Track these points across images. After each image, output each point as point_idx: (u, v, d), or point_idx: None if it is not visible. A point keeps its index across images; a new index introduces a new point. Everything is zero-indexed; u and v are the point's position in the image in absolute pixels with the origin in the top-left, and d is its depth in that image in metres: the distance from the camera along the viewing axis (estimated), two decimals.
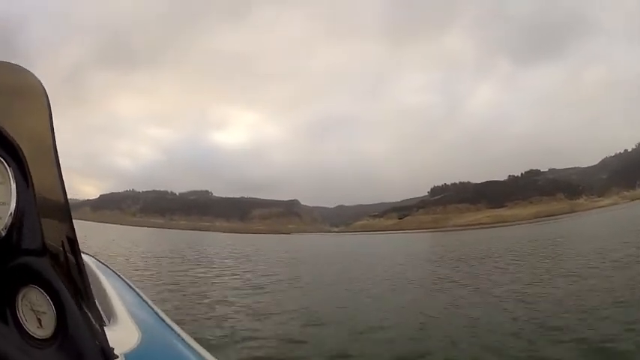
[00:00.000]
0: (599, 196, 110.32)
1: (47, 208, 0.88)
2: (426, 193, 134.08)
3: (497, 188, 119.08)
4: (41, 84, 0.86)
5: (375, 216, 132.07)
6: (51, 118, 0.84)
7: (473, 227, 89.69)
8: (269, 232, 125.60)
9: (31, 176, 0.83)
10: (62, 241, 0.93)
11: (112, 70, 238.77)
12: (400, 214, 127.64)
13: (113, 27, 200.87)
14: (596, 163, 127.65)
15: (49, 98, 0.80)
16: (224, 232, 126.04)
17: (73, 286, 0.96)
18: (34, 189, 0.83)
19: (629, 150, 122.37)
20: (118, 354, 1.16)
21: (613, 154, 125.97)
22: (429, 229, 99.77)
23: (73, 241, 0.96)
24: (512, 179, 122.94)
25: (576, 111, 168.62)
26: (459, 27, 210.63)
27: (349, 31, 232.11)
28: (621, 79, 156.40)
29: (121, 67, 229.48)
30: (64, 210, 0.88)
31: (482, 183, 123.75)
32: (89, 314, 0.97)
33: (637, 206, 78.04)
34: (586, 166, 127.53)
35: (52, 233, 0.90)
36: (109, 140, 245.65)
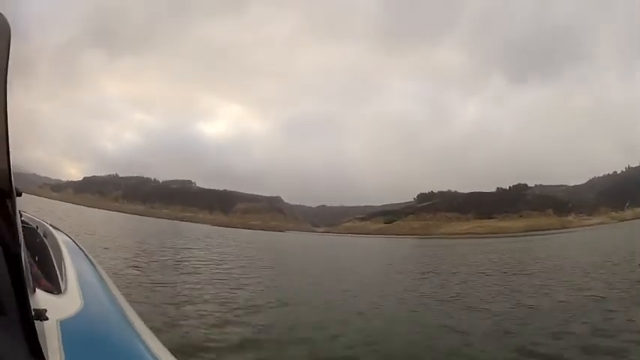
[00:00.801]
0: (588, 215, 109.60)
1: None
2: (412, 199, 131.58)
3: (486, 199, 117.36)
4: (7, 26, 0.87)
5: (361, 219, 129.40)
6: (8, 54, 0.85)
7: (465, 236, 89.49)
8: (254, 228, 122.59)
9: None
10: None
11: (101, 53, 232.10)
12: (386, 218, 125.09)
13: (104, 9, 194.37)
14: (583, 182, 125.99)
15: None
16: (210, 224, 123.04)
17: (4, 238, 1.03)
18: None
19: (618, 172, 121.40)
20: (52, 318, 1.38)
21: (601, 175, 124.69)
22: (419, 236, 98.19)
23: (9, 195, 1.00)
24: (501, 191, 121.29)
25: (564, 131, 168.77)
26: (453, 40, 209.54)
27: (342, 32, 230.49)
28: (611, 104, 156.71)
29: (110, 49, 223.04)
30: (3, 155, 0.90)
31: (470, 193, 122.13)
32: (22, 278, 1.08)
33: (626, 227, 77.82)
34: (572, 184, 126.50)
35: None
36: (94, 122, 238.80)
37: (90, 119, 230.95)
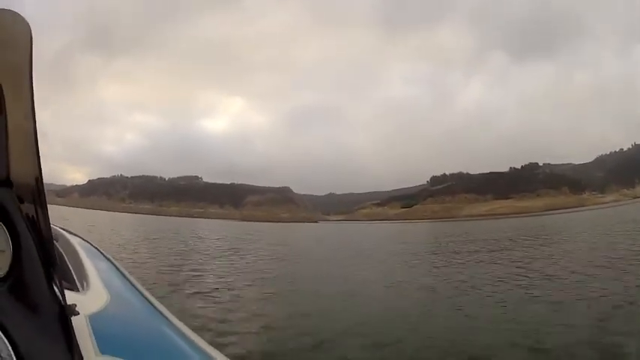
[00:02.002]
0: (600, 193, 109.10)
1: (17, 143, 0.88)
2: (425, 183, 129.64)
3: (501, 179, 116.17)
4: (27, 26, 0.85)
5: (377, 204, 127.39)
6: (31, 55, 0.85)
7: (489, 217, 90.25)
8: (267, 220, 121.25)
9: (4, 106, 0.83)
10: (29, 184, 0.98)
11: (96, 55, 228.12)
12: (404, 202, 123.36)
13: (97, 10, 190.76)
14: (589, 160, 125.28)
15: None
16: (222, 219, 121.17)
17: (35, 233, 1.02)
18: (6, 119, 0.83)
19: (625, 149, 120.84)
20: (83, 314, 1.37)
21: (608, 153, 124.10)
22: (442, 219, 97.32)
23: (40, 190, 1.01)
24: (514, 171, 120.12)
25: (568, 109, 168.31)
26: (453, 22, 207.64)
27: (340, 21, 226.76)
28: (614, 81, 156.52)
29: (106, 51, 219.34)
30: (33, 153, 0.89)
31: (487, 173, 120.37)
32: (52, 275, 1.08)
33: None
34: (578, 163, 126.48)
35: (19, 171, 0.93)
36: (94, 126, 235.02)
37: (89, 123, 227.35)
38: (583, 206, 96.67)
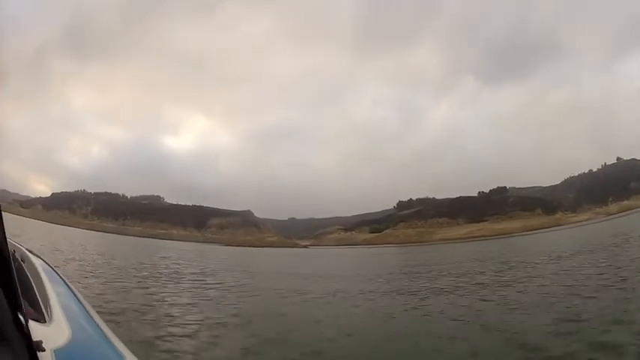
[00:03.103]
0: (572, 213, 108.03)
1: None
2: (393, 207, 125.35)
3: (471, 203, 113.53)
4: None
5: (345, 229, 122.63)
6: None
7: (467, 240, 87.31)
8: (233, 244, 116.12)
9: None
10: None
11: (67, 61, 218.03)
12: (372, 227, 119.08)
13: (73, 14, 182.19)
14: (558, 182, 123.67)
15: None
16: (185, 240, 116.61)
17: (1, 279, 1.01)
18: None
19: (594, 170, 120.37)
20: (47, 349, 1.39)
21: (576, 174, 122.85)
22: (415, 243, 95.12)
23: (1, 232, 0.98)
24: (483, 195, 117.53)
25: (537, 131, 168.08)
26: (427, 43, 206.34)
27: (314, 37, 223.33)
28: (584, 104, 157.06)
29: (77, 58, 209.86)
30: None
31: (456, 198, 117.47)
32: (18, 308, 1.08)
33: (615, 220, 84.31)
34: (546, 185, 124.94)
35: None
36: (59, 135, 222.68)
37: (55, 131, 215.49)
38: (559, 225, 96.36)
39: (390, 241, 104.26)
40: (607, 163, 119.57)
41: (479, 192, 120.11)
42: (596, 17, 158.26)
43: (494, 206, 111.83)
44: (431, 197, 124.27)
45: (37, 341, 1.16)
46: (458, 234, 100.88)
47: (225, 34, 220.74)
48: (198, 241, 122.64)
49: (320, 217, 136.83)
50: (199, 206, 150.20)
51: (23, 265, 3.16)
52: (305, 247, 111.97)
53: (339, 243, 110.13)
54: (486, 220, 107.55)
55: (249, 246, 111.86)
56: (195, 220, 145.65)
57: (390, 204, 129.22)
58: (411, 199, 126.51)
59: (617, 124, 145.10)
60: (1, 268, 1.01)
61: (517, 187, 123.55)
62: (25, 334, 1.02)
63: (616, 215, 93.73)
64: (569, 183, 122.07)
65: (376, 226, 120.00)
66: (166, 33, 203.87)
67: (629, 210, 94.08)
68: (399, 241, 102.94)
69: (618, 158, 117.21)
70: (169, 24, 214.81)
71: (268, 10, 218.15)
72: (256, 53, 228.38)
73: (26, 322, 1.06)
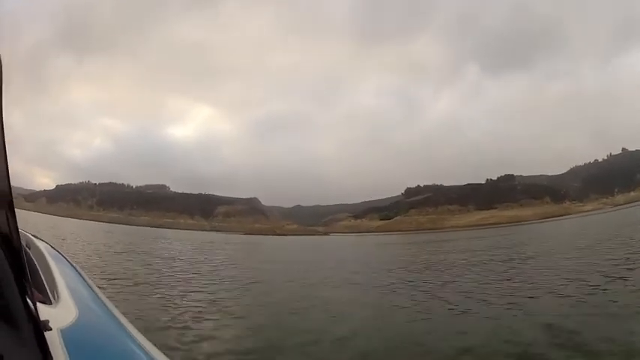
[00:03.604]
0: (580, 202, 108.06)
1: None
2: (399, 195, 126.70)
3: (480, 191, 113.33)
4: None
5: (355, 216, 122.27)
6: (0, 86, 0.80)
7: (481, 227, 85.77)
8: (251, 233, 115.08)
9: None
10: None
11: (68, 55, 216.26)
12: (382, 214, 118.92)
13: (74, 9, 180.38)
14: (563, 172, 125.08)
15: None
16: (191, 229, 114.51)
17: (9, 258, 1.04)
18: None
19: (600, 160, 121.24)
20: (54, 328, 1.43)
21: (582, 164, 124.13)
22: (429, 230, 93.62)
23: (9, 197, 1.02)
24: (491, 182, 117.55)
25: (541, 121, 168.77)
26: (427, 35, 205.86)
27: (315, 30, 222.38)
28: (587, 94, 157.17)
29: (78, 52, 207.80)
30: (2, 159, 0.90)
31: (463, 185, 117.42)
32: (25, 288, 1.09)
33: (622, 210, 79.38)
34: (552, 174, 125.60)
35: None
36: (64, 129, 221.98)
37: (58, 125, 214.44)
38: (568, 214, 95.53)
39: (402, 228, 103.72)
40: (612, 154, 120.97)
41: (487, 179, 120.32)
42: (602, 6, 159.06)
43: (504, 194, 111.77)
44: (438, 184, 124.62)
45: (43, 321, 1.20)
46: (469, 221, 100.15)
47: (228, 25, 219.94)
48: (204, 230, 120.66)
49: (325, 204, 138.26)
50: (205, 194, 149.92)
51: (29, 250, 3.24)
52: (326, 234, 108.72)
53: (351, 230, 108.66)
54: (496, 208, 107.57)
55: (267, 234, 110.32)
56: (202, 208, 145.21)
57: (394, 191, 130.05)
58: (418, 185, 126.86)
59: (621, 114, 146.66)
60: (10, 255, 1.06)
61: (523, 175, 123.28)
62: (32, 314, 1.08)
63: (623, 206, 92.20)
64: (574, 172, 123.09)
65: (387, 213, 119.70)
66: (170, 24, 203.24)
67: (636, 202, 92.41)
68: (412, 228, 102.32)
69: (623, 149, 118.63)
70: (173, 16, 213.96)
71: (267, 7, 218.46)
72: (258, 45, 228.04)
73: (34, 304, 1.12)
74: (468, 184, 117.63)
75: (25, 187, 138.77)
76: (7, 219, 1.08)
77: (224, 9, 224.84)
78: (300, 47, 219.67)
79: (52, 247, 3.46)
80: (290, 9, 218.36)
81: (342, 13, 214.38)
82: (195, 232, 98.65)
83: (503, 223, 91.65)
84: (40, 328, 1.12)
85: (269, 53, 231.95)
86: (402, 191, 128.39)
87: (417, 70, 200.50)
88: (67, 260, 3.14)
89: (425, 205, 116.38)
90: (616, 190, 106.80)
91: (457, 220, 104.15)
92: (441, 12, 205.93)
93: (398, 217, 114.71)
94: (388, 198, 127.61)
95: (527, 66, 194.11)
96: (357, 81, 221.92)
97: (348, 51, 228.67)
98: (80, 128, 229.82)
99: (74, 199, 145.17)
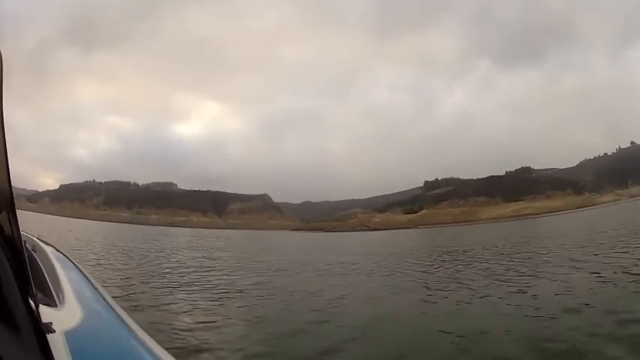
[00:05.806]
0: (597, 194, 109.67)
1: None
2: (421, 187, 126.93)
3: (501, 183, 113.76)
4: None
5: (379, 211, 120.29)
6: (1, 63, 0.84)
7: (519, 218, 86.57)
8: (259, 228, 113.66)
9: None
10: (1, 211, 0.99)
11: (74, 51, 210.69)
12: (405, 208, 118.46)
13: (82, 2, 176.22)
14: (573, 165, 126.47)
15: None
16: (205, 227, 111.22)
17: (11, 260, 1.04)
18: None
19: (609, 154, 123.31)
20: (58, 330, 1.41)
21: (591, 157, 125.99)
22: (462, 223, 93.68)
23: (10, 199, 1.02)
24: (511, 175, 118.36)
25: (551, 115, 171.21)
26: (441, 29, 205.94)
27: (328, 24, 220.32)
28: (597, 88, 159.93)
29: (85, 48, 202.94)
30: (3, 161, 0.90)
31: (486, 177, 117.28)
32: (28, 290, 1.10)
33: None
34: (562, 167, 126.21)
35: None
36: (68, 128, 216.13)
37: (62, 124, 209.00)
38: (593, 205, 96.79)
39: (436, 221, 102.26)
40: (621, 147, 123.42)
41: (506, 171, 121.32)
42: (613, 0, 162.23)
43: (527, 185, 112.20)
44: (455, 177, 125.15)
45: (47, 323, 1.21)
46: (504, 212, 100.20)
47: (240, 19, 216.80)
48: (219, 227, 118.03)
49: (334, 199, 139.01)
50: (214, 191, 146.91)
51: (35, 253, 3.28)
52: (375, 229, 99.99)
53: (385, 226, 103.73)
54: (522, 200, 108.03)
55: (282, 229, 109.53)
56: (214, 206, 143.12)
57: (406, 185, 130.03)
58: (436, 178, 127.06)
59: (631, 108, 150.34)
60: (12, 258, 1.06)
61: (535, 168, 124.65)
62: (34, 317, 1.09)
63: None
64: (584, 165, 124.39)
65: (409, 206, 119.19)
66: (181, 17, 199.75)
67: None
68: (448, 221, 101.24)
69: (632, 142, 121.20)
70: (183, 7, 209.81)
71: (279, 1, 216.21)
72: (269, 39, 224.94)
73: (36, 306, 1.12)
74: (490, 177, 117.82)
75: (28, 188, 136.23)
76: (9, 220, 1.08)
77: (237, 3, 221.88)
78: (313, 41, 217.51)
79: (58, 251, 3.52)
80: (301, 2, 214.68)
81: (356, 6, 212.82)
82: (213, 230, 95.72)
83: (537, 214, 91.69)
84: (42, 330, 1.11)
85: (281, 47, 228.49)
86: (420, 185, 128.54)
87: (429, 64, 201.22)
88: (74, 263, 3.16)
89: (450, 197, 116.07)
90: (629, 182, 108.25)
91: (489, 211, 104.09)
92: (454, 5, 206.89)
93: (426, 210, 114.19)
94: (404, 191, 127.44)
95: (539, 59, 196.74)
96: (370, 75, 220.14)
97: (362, 45, 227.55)
98: (85, 126, 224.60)
99: (79, 198, 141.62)
